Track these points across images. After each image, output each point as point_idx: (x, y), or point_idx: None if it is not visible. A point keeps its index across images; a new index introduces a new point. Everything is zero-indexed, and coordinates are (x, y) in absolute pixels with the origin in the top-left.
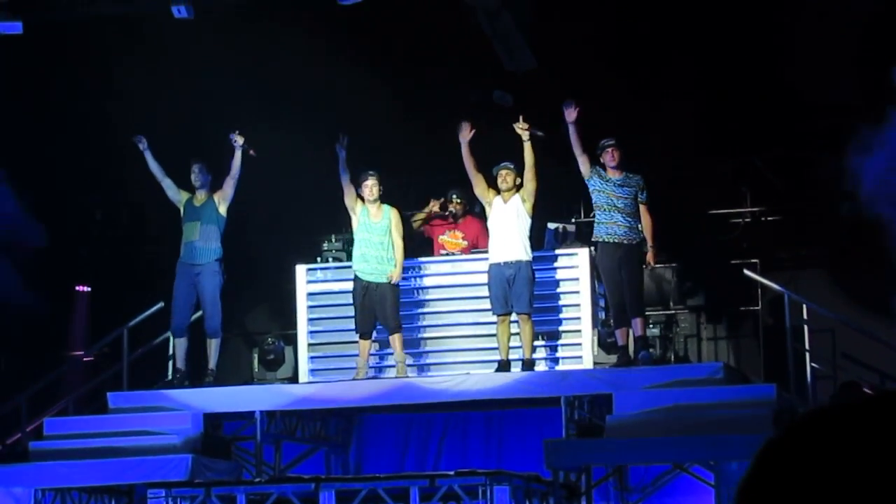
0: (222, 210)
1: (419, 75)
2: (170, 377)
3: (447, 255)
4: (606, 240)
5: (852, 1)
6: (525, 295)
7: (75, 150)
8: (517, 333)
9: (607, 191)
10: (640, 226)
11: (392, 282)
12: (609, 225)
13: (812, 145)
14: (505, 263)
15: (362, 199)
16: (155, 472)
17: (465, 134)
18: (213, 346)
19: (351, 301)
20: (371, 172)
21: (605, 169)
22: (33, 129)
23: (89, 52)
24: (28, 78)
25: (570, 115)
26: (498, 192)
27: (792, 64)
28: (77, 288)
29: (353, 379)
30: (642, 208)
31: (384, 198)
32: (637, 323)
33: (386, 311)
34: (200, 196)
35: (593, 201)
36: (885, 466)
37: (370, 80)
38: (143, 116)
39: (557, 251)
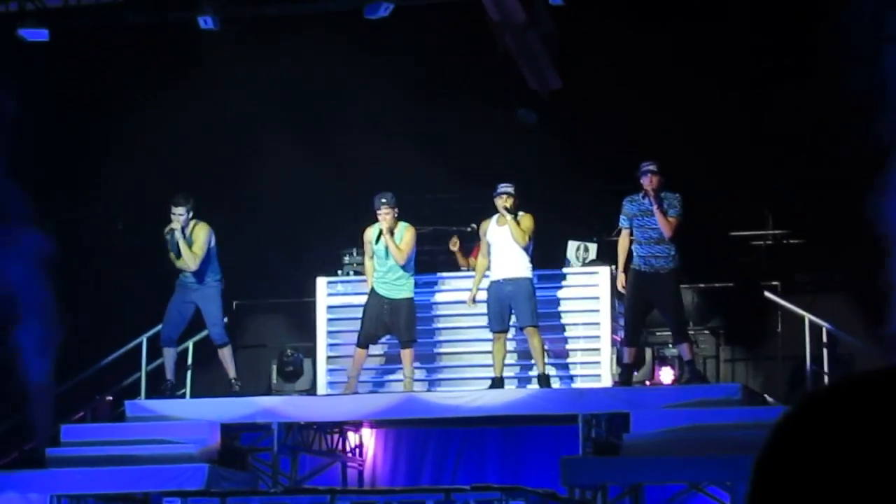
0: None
1: (442, 92)
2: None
3: (467, 270)
4: (638, 268)
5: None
6: (527, 309)
7: (96, 161)
8: (513, 351)
9: (644, 225)
10: (674, 251)
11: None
12: (641, 257)
13: (835, 169)
14: (504, 280)
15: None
16: (171, 480)
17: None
18: (227, 354)
19: None
20: (383, 200)
21: (641, 193)
22: (56, 138)
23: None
24: (54, 86)
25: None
26: (488, 216)
27: (817, 86)
28: None
29: (343, 393)
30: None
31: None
32: (684, 348)
33: (400, 324)
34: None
35: (633, 235)
36: None
37: (391, 98)
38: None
39: (577, 269)
